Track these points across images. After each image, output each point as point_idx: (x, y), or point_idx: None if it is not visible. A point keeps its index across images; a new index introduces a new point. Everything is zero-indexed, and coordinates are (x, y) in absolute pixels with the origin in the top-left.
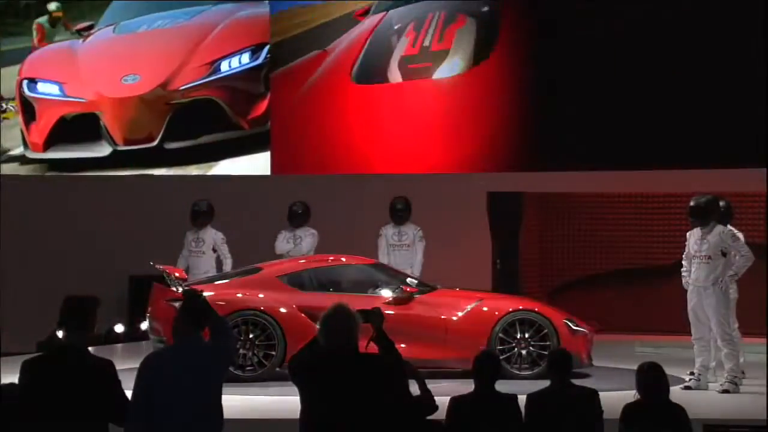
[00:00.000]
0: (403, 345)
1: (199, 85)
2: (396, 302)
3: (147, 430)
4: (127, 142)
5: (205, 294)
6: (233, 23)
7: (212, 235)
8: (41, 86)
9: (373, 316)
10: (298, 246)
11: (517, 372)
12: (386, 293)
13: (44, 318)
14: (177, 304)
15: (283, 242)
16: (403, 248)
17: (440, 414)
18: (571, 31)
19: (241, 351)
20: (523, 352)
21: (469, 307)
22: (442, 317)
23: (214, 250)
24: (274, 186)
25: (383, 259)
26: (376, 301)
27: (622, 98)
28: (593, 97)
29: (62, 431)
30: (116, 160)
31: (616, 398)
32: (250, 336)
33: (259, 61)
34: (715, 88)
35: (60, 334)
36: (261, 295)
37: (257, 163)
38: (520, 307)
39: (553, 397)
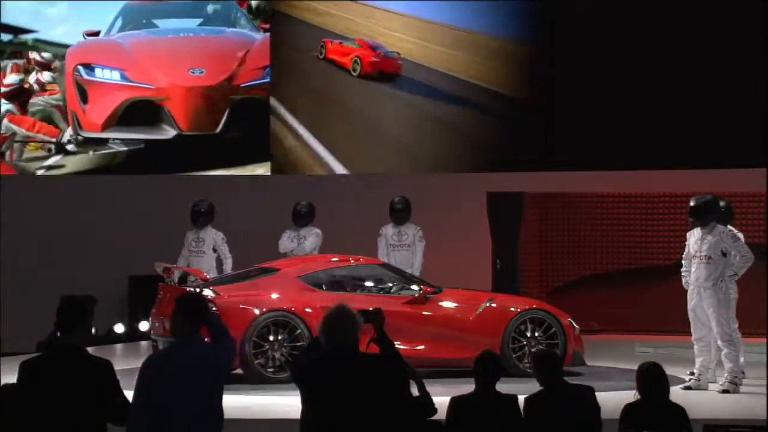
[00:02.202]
0: (422, 345)
1: (255, 84)
2: (415, 302)
3: (148, 430)
4: (191, 129)
5: (233, 294)
6: (266, 40)
7: (212, 235)
8: (99, 72)
9: (375, 316)
10: (301, 245)
11: (529, 371)
12: (405, 293)
13: (44, 318)
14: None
15: (287, 241)
16: (403, 248)
17: (440, 415)
18: (572, 31)
19: (270, 353)
20: (533, 350)
21: (482, 307)
22: (459, 317)
23: (215, 250)
24: (274, 186)
25: (382, 259)
26: (396, 301)
27: (622, 99)
28: (593, 97)
29: (60, 431)
30: (180, 145)
31: (616, 398)
32: (279, 337)
33: None
34: (715, 88)
35: (58, 334)
36: (287, 296)
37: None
38: (532, 307)
39: (550, 397)
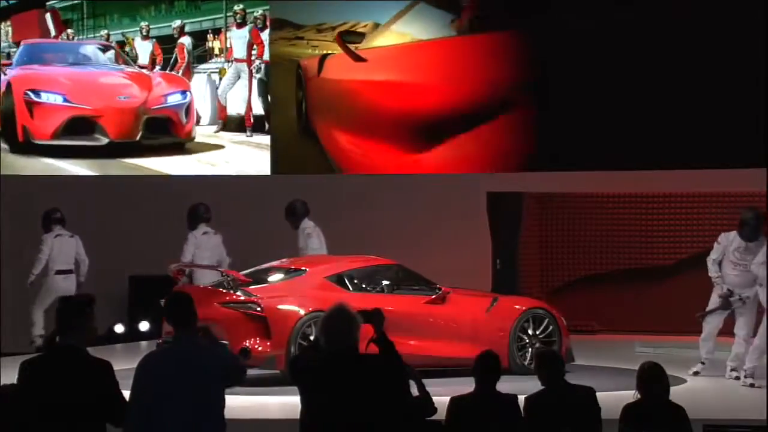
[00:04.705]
0: (443, 344)
1: (161, 107)
2: (435, 302)
3: (146, 430)
4: (118, 138)
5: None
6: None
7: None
8: (44, 95)
9: (374, 316)
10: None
11: (531, 368)
12: (423, 293)
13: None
14: (233, 307)
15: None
16: (302, 252)
17: (440, 415)
18: (571, 30)
19: None
20: (532, 348)
21: (490, 306)
22: (473, 316)
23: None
24: (274, 186)
25: None
26: (418, 302)
27: (622, 98)
28: (593, 97)
29: (60, 431)
30: (110, 149)
31: (616, 398)
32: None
33: (186, 100)
34: (715, 88)
35: (58, 334)
36: (322, 297)
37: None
38: (534, 306)
39: (550, 397)
